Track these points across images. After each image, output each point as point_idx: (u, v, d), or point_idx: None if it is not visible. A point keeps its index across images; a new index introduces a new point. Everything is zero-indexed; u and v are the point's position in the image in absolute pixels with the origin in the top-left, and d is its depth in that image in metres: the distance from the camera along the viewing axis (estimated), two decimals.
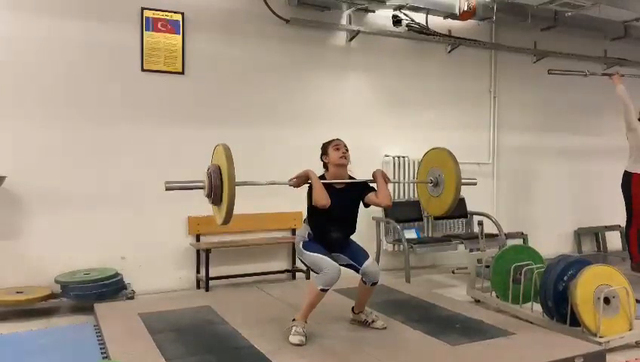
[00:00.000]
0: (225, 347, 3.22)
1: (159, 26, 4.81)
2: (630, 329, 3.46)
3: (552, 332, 3.51)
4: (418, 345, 3.27)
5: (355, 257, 3.39)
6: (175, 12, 4.87)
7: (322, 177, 3.36)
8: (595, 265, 3.57)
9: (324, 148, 3.44)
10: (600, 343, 3.28)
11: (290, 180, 3.30)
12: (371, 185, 3.46)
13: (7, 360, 3.19)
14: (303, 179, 3.29)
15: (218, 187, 3.04)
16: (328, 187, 3.27)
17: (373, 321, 3.55)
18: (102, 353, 3.21)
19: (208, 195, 3.13)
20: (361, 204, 3.46)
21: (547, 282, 3.67)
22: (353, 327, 3.57)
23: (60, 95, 4.54)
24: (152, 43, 4.79)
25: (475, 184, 3.90)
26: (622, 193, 5.59)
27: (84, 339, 3.51)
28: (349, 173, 3.43)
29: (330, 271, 3.17)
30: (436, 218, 5.86)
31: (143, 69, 4.78)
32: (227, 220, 3.03)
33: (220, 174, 3.04)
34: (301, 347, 3.15)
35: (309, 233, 3.40)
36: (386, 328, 3.51)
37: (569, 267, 3.63)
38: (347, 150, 3.39)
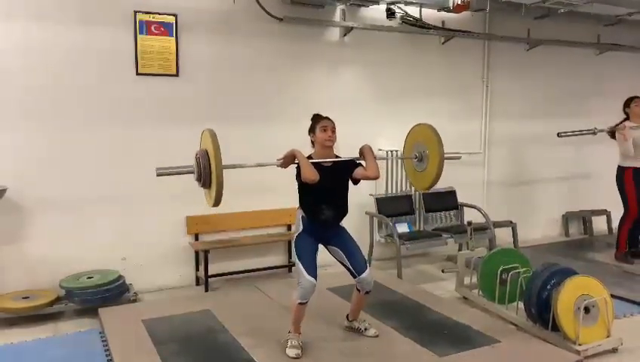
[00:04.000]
0: (226, 360, 3.41)
1: (152, 28, 4.80)
2: (608, 337, 3.67)
3: (534, 339, 3.73)
4: (407, 357, 3.47)
5: (355, 263, 3.49)
6: (168, 14, 4.85)
7: (309, 158, 3.45)
8: (577, 275, 3.75)
9: (313, 124, 3.52)
10: (578, 351, 3.50)
11: (278, 160, 3.40)
12: (358, 161, 3.57)
13: None
14: (290, 160, 3.39)
15: (207, 171, 3.14)
16: (315, 165, 3.39)
17: (366, 329, 3.74)
18: None
19: (198, 179, 3.24)
20: (351, 184, 3.54)
21: (532, 290, 3.86)
22: (347, 336, 3.75)
23: (57, 101, 4.58)
24: (146, 46, 4.79)
25: (459, 158, 3.99)
26: (617, 187, 5.72)
27: (92, 349, 3.69)
28: (334, 153, 3.53)
29: (305, 285, 3.31)
30: (427, 210, 6.02)
31: (137, 73, 4.80)
32: (217, 203, 3.16)
33: (208, 158, 3.14)
34: (297, 360, 3.35)
35: (302, 216, 3.50)
36: (377, 336, 3.69)
37: (552, 276, 3.80)
38: (334, 131, 3.48)
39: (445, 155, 3.67)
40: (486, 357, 3.44)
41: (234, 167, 3.30)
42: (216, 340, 3.70)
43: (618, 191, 5.70)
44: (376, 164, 3.51)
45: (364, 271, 3.48)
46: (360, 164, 3.54)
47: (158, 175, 3.24)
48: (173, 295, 4.93)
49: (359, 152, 3.59)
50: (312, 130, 3.51)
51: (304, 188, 3.42)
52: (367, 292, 3.57)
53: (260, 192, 5.37)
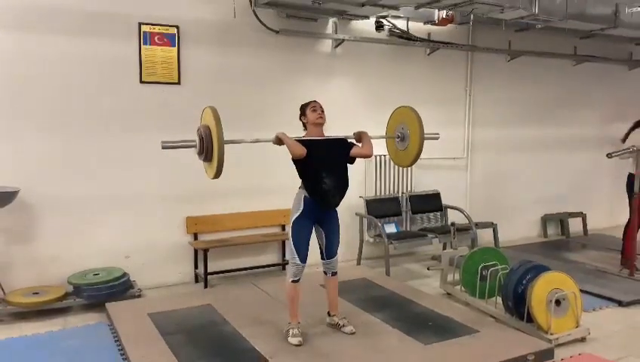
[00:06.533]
0: (230, 349, 3.71)
1: (156, 39, 5.08)
2: (577, 327, 4.03)
3: (510, 329, 4.09)
4: (395, 345, 3.79)
5: (329, 250, 3.91)
6: (170, 26, 5.14)
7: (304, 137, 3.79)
8: (550, 271, 4.11)
9: (303, 109, 3.88)
10: (550, 340, 3.85)
11: (273, 138, 3.69)
12: (352, 141, 3.94)
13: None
14: (279, 141, 3.68)
15: (209, 145, 3.39)
16: (310, 141, 3.72)
17: (344, 326, 3.98)
18: (122, 357, 3.67)
19: (199, 153, 3.49)
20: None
21: (508, 284, 4.21)
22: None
23: (65, 108, 4.85)
24: (150, 56, 5.07)
25: (437, 138, 4.32)
26: (627, 194, 5.84)
27: (103, 340, 3.97)
28: (324, 132, 3.88)
29: (295, 265, 3.72)
30: (414, 212, 6.36)
31: (141, 81, 5.09)
32: (218, 175, 3.41)
33: (210, 133, 3.39)
34: (298, 348, 3.65)
35: (304, 196, 3.76)
36: (354, 333, 3.92)
37: (527, 272, 4.16)
38: (323, 111, 3.84)
39: (425, 135, 4.01)
40: (466, 345, 3.77)
41: (233, 142, 3.55)
42: (219, 331, 3.99)
43: (628, 198, 5.81)
44: (371, 144, 3.90)
45: (332, 258, 3.92)
46: (353, 144, 3.91)
47: (163, 148, 3.51)
48: (175, 291, 5.20)
49: (357, 137, 3.96)
50: (302, 114, 3.87)
51: (302, 163, 3.69)
52: (333, 274, 3.97)
53: (256, 194, 5.67)
